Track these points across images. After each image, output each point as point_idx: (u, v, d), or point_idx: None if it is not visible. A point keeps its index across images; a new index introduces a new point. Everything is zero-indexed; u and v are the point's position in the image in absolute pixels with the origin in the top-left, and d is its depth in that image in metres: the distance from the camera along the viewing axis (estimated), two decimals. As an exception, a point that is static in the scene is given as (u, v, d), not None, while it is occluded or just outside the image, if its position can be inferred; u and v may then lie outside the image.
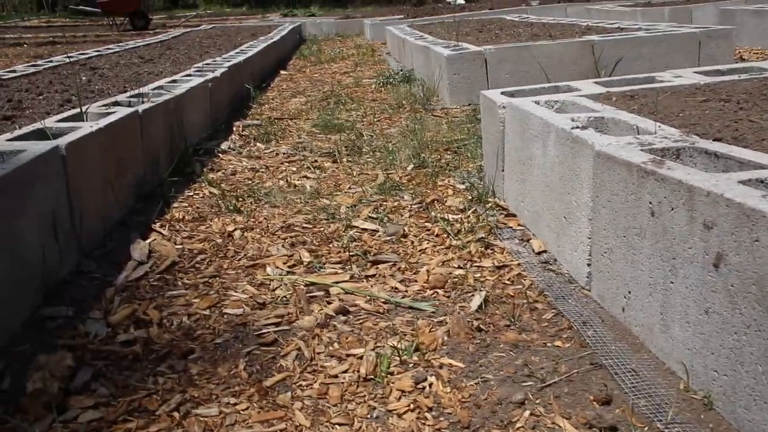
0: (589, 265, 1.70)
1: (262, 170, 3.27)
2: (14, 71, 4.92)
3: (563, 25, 6.59)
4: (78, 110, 2.68)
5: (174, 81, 3.91)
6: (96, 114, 2.67)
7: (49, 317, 1.77)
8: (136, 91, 3.29)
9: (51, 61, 5.72)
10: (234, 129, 4.18)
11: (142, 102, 3.02)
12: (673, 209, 1.26)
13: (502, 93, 2.55)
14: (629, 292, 1.48)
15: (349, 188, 2.86)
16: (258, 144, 3.78)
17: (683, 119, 1.89)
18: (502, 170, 2.44)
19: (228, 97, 4.70)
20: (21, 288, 1.75)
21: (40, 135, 2.30)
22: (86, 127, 2.30)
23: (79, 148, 2.14)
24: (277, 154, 3.56)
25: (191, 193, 2.88)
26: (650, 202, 1.34)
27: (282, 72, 7.06)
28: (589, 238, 1.67)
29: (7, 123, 2.78)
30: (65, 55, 6.06)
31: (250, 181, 3.08)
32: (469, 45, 4.77)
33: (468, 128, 3.71)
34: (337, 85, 5.90)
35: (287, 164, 3.36)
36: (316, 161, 3.35)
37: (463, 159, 3.11)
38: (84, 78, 4.45)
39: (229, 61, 5.14)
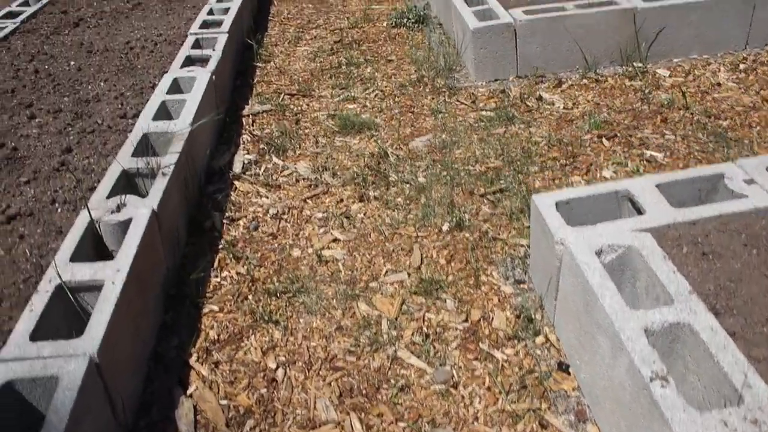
0: None
1: (285, 217, 3.08)
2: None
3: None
4: (88, 219, 2.44)
5: (176, 86, 3.54)
6: (108, 226, 2.44)
7: None
8: (145, 162, 2.87)
9: (28, 3, 5.18)
10: (243, 122, 3.88)
11: (153, 175, 2.76)
12: None
13: (556, 204, 2.33)
14: None
15: (386, 274, 2.70)
16: (274, 159, 3.52)
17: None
18: (555, 299, 2.30)
19: (231, 66, 4.32)
20: None
21: (60, 294, 2.13)
22: (110, 290, 2.11)
23: (111, 339, 1.99)
24: (297, 181, 3.33)
25: (218, 279, 2.73)
26: None
27: (279, -19, 6.41)
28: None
29: (10, 238, 2.52)
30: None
31: (274, 242, 2.91)
32: (494, 1, 4.28)
33: (500, 139, 3.45)
34: (344, 19, 5.38)
35: (311, 203, 3.16)
36: (341, 201, 3.15)
37: (503, 221, 2.91)
38: (72, 64, 4.03)
39: (224, 5, 4.63)
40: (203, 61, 3.96)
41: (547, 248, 2.28)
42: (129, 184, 2.80)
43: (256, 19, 5.51)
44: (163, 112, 3.32)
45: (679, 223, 2.18)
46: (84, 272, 2.20)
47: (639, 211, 2.30)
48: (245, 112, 3.98)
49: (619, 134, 3.46)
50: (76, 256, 2.28)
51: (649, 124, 3.55)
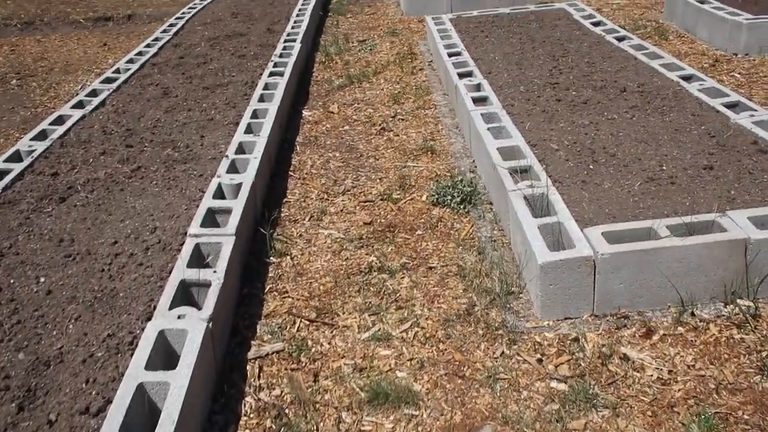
0: None
1: None
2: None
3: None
4: None
5: (161, 344, 2.73)
6: None
7: None
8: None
9: (20, 157, 4.44)
10: (247, 372, 3.07)
11: None
12: None
13: None
14: None
15: None
16: (282, 453, 2.70)
17: None
18: None
19: (236, 278, 3.54)
20: None
21: None
22: None
23: None
24: (309, 504, 2.51)
25: None
26: None
27: (305, 112, 5.67)
28: None
29: None
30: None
31: None
32: (564, 207, 3.46)
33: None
34: (376, 181, 4.58)
35: None
36: None
37: None
38: (42, 282, 3.25)
39: (235, 180, 3.86)
40: (202, 285, 3.19)
41: None
42: None
43: (274, 174, 4.75)
44: (139, 407, 2.52)
45: None
46: None
47: None
48: (251, 354, 3.17)
49: (741, 447, 2.59)
50: None
51: (778, 422, 2.68)
